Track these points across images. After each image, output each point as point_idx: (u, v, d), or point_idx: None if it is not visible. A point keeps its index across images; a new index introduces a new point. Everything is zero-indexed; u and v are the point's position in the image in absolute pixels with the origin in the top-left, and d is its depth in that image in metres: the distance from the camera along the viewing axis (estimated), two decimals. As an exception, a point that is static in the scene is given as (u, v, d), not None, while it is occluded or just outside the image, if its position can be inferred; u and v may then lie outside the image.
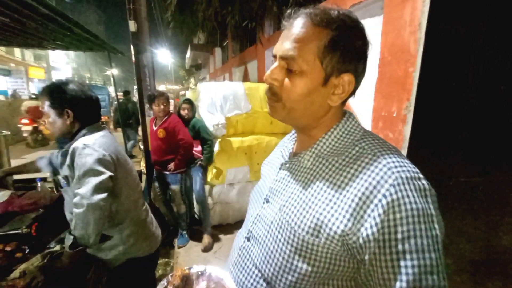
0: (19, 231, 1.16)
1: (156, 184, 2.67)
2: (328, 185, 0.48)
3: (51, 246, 1.13)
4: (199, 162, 2.58)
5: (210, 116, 2.56)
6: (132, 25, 2.12)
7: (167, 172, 2.48)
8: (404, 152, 1.59)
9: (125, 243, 1.14)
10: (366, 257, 0.42)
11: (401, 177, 0.42)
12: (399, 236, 0.39)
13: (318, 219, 0.47)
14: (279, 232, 0.52)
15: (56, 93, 1.05)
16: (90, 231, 0.95)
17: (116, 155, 1.09)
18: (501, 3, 1.42)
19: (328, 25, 0.45)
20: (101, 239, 1.03)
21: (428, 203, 0.41)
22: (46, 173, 1.82)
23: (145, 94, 2.53)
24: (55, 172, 1.32)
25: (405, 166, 0.44)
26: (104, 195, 0.97)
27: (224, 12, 4.23)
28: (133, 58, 2.34)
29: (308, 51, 0.46)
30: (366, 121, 1.98)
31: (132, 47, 2.28)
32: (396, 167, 0.44)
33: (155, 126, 2.48)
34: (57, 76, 22.34)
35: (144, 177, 2.56)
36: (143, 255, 1.20)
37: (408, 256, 0.39)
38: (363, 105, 1.99)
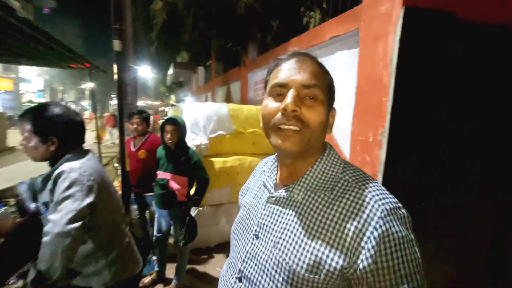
0: (-26, 264, 1.04)
1: (135, 206, 2.55)
2: (321, 220, 0.51)
3: (12, 281, 1.03)
4: (183, 206, 2.01)
5: (193, 136, 2.55)
6: (117, 45, 2.12)
7: (148, 194, 2.38)
8: (381, 174, 1.68)
9: (110, 267, 1.08)
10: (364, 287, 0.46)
11: (386, 209, 0.47)
12: (391, 263, 0.44)
13: (316, 256, 0.48)
14: (276, 271, 0.52)
15: (40, 118, 0.99)
16: (56, 264, 0.87)
17: (101, 178, 1.06)
18: (464, 42, 1.62)
19: (326, 70, 0.57)
20: (67, 275, 0.95)
21: (408, 230, 0.47)
22: (10, 199, 1.68)
23: (125, 112, 2.48)
24: (34, 198, 1.24)
25: (387, 198, 0.50)
26: (78, 224, 0.91)
27: (210, 34, 4.36)
28: (115, 76, 2.31)
29: (323, 83, 0.54)
30: (345, 144, 2.08)
31: (115, 65, 2.26)
32: (380, 199, 0.49)
33: (134, 147, 2.39)
34: (27, 88, 21.07)
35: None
36: (127, 277, 1.15)
37: (400, 281, 0.43)
38: (342, 129, 2.09)
